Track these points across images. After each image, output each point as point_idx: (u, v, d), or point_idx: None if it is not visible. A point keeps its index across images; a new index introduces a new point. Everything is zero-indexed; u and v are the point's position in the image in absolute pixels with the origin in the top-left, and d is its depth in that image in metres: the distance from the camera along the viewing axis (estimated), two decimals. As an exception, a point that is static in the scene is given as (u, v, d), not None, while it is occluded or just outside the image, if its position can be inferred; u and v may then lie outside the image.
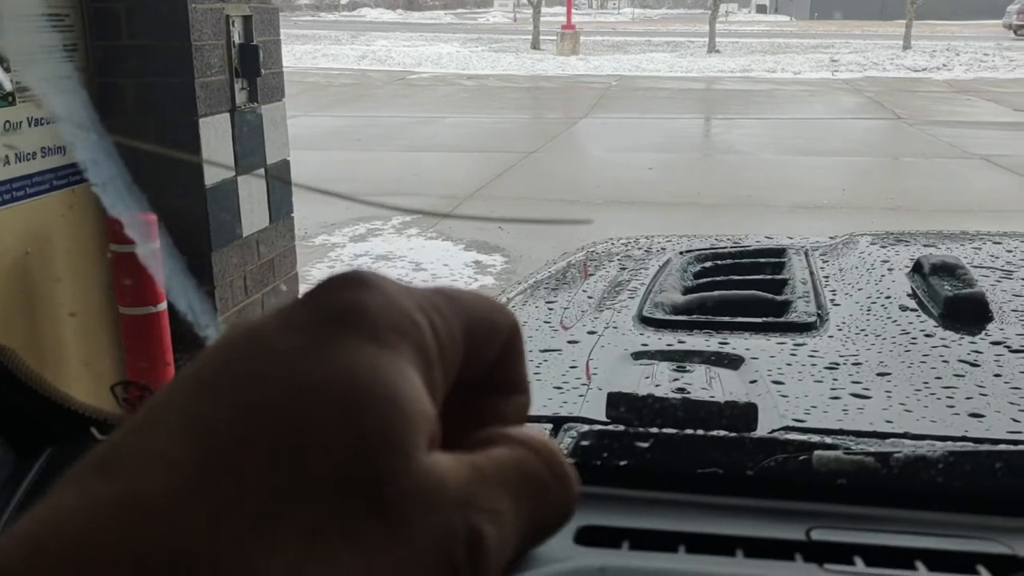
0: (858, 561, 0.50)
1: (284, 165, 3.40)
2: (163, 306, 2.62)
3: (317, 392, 0.21)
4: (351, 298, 0.24)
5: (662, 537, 0.53)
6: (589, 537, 0.53)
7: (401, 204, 7.47)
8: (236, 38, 3.02)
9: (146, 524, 0.20)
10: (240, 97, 3.06)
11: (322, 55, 23.95)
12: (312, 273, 5.58)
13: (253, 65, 3.07)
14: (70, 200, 2.67)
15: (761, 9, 77.96)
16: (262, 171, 3.26)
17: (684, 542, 0.53)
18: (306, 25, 41.07)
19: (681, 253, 1.48)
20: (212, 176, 2.90)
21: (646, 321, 1.11)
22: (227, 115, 2.98)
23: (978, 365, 0.93)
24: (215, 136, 2.92)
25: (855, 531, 0.54)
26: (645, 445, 0.66)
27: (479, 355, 0.26)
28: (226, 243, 3.00)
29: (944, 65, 20.89)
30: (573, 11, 28.75)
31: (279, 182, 3.34)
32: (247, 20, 3.07)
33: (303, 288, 3.89)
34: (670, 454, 0.68)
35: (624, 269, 1.43)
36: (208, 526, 0.20)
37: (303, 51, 24.22)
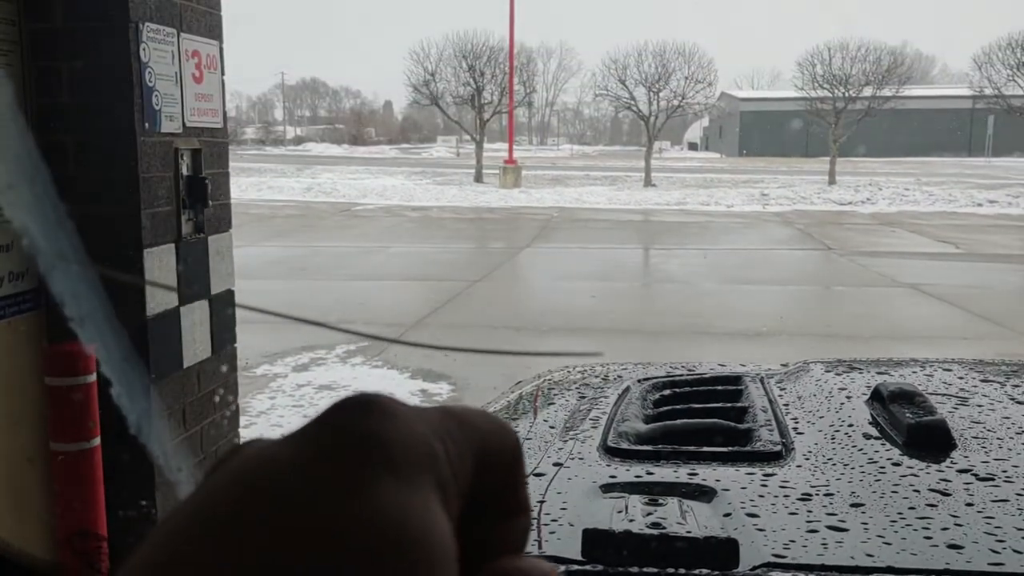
0: None
1: (228, 295, 3.36)
2: (96, 441, 2.51)
3: (356, 541, 0.20)
4: (373, 429, 0.23)
5: None
6: None
7: (353, 330, 7.41)
8: (184, 170, 3.02)
9: None
10: (186, 228, 3.03)
11: (267, 187, 24.23)
12: (252, 404, 5.44)
13: (201, 197, 3.07)
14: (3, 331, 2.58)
15: (693, 146, 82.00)
16: (206, 301, 3.21)
17: None
18: (251, 158, 41.69)
19: (639, 381, 1.47)
20: (154, 306, 2.84)
21: (611, 451, 1.08)
22: (172, 245, 2.95)
23: (949, 494, 0.92)
24: (159, 266, 2.88)
25: None
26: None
27: (487, 479, 0.25)
28: (166, 374, 2.91)
29: (868, 199, 21.99)
30: (514, 147, 29.76)
31: (223, 312, 3.28)
32: (196, 153, 3.08)
33: (242, 421, 3.76)
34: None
35: (583, 398, 1.41)
36: None
37: (248, 183, 24.47)
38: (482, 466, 0.25)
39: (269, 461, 0.22)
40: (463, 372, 6.13)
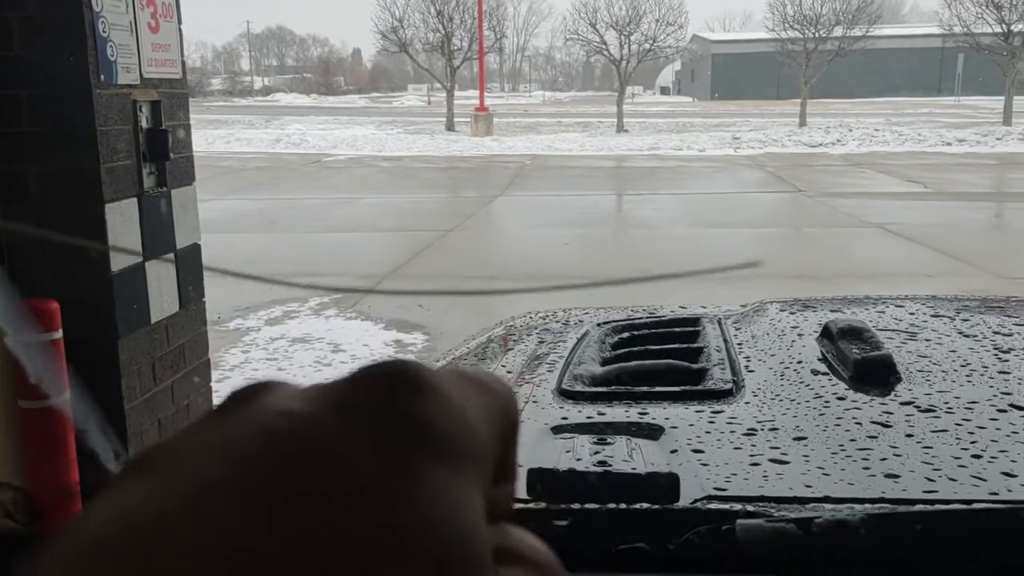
0: None
1: (195, 249, 3.33)
2: (66, 396, 2.50)
3: (416, 541, 0.19)
4: (427, 416, 0.21)
5: None
6: None
7: (321, 284, 7.38)
8: (144, 123, 2.97)
9: None
10: (148, 182, 2.99)
11: (235, 139, 23.84)
12: (225, 359, 5.44)
13: (161, 149, 3.02)
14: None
15: (665, 91, 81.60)
16: (171, 256, 3.18)
17: None
18: (219, 110, 40.98)
19: (599, 325, 1.49)
20: (119, 262, 2.81)
21: (565, 394, 1.10)
22: (134, 200, 2.91)
23: (890, 426, 0.95)
24: (121, 221, 2.84)
25: None
26: (565, 523, 0.64)
27: (503, 449, 0.25)
28: (133, 330, 2.89)
29: (839, 140, 22.04)
30: (486, 94, 29.46)
31: (190, 267, 3.26)
32: (155, 105, 3.03)
33: (215, 375, 3.76)
34: (593, 531, 0.66)
35: (543, 342, 1.42)
36: None
37: (216, 135, 24.08)
38: (503, 438, 0.24)
39: (308, 428, 0.20)
40: (437, 322, 6.15)
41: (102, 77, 2.73)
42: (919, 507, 0.74)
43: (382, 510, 0.19)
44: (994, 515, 0.72)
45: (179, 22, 3.22)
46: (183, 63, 3.26)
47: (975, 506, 0.73)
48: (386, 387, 0.22)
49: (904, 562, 0.59)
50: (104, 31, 2.74)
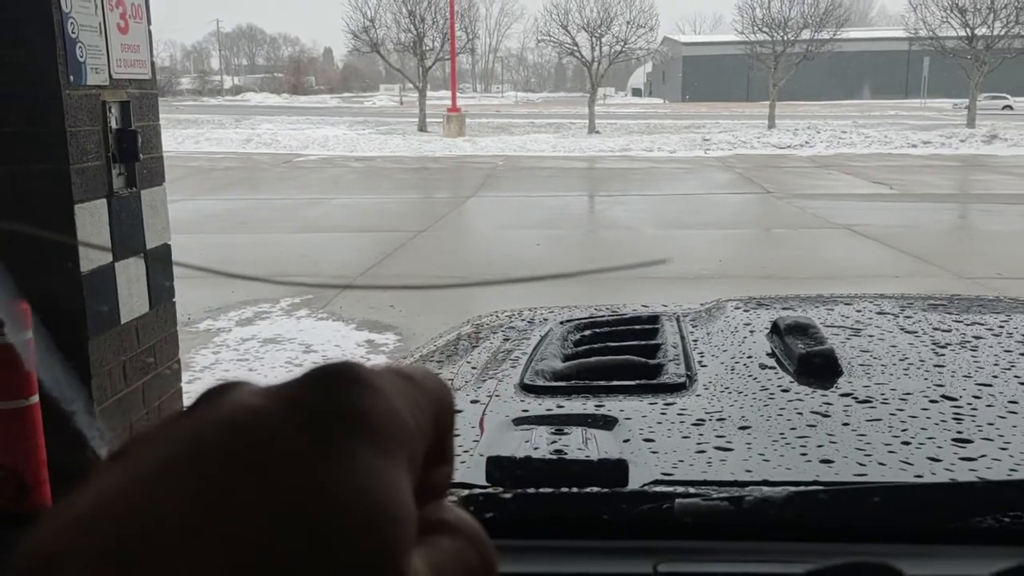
0: None
1: (165, 250, 3.34)
2: (35, 399, 2.51)
3: (343, 510, 0.22)
4: (357, 403, 0.25)
5: None
6: None
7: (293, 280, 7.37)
8: (113, 123, 2.98)
9: None
10: (118, 182, 3.00)
11: (205, 139, 23.67)
12: (196, 360, 5.43)
13: (131, 150, 3.03)
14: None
15: (636, 92, 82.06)
16: (142, 256, 3.19)
17: None
18: (189, 109, 40.64)
19: (562, 323, 1.54)
20: (88, 263, 2.82)
21: (527, 388, 1.15)
22: (104, 201, 2.92)
23: (828, 416, 1.01)
24: (91, 222, 2.86)
25: (698, 562, 0.59)
26: (520, 502, 0.69)
27: (436, 437, 0.28)
28: (103, 330, 2.90)
29: (807, 142, 22.32)
30: (458, 94, 29.48)
31: (160, 267, 3.27)
32: (124, 105, 3.04)
33: (186, 376, 3.77)
34: (545, 510, 0.71)
35: (508, 340, 1.47)
36: None
37: (185, 135, 23.90)
38: (437, 428, 0.27)
39: (264, 420, 0.24)
40: (410, 323, 6.18)
41: (71, 78, 2.74)
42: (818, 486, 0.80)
43: (319, 484, 0.22)
44: (882, 490, 0.79)
45: (148, 23, 3.24)
46: (152, 64, 3.27)
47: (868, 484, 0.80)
48: (329, 385, 0.25)
49: (811, 530, 0.65)
50: (73, 32, 2.75)
